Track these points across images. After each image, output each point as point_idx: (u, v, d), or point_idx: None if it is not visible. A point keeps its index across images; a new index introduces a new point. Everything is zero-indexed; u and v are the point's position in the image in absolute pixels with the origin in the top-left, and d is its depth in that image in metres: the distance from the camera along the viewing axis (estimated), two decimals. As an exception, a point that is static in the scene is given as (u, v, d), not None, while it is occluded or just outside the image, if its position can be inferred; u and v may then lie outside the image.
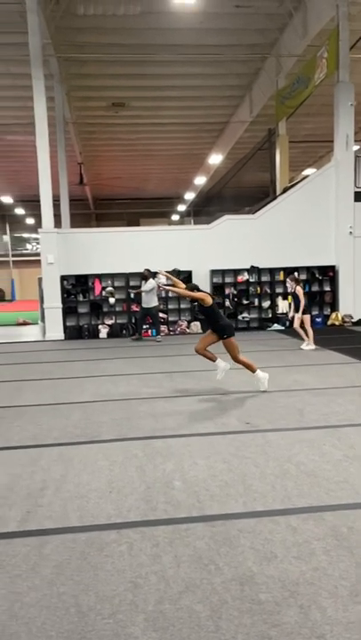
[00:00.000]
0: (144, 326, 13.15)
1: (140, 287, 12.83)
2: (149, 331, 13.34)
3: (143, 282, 12.60)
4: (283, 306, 14.12)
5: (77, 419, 5.85)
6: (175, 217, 38.70)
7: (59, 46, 14.20)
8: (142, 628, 2.39)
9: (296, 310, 10.07)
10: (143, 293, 12.29)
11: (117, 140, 23.60)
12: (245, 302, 14.16)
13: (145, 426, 5.46)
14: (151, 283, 12.13)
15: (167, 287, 7.44)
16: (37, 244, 39.58)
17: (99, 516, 3.51)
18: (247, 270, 14.12)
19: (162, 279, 10.93)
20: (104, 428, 5.46)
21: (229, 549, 3.00)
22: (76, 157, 23.27)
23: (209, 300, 6.69)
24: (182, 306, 14.13)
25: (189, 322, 13.95)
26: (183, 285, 7.10)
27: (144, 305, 12.34)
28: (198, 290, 6.89)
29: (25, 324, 18.08)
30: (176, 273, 12.74)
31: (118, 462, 4.44)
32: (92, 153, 25.32)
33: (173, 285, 7.29)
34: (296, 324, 10.21)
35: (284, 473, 4.07)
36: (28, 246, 41.27)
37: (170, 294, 13.98)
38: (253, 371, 6.72)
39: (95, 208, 37.27)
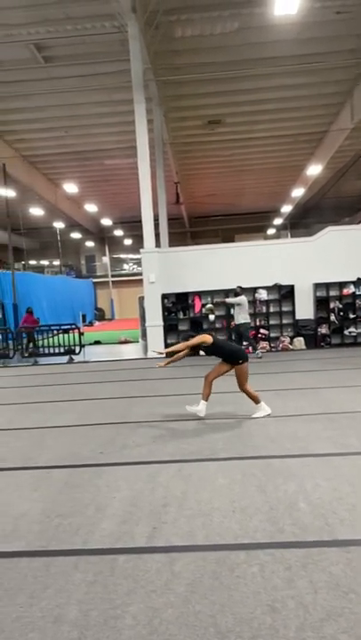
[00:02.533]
0: (244, 343, 13.05)
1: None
2: (250, 347, 13.16)
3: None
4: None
5: (191, 435, 5.90)
6: (271, 231, 38.34)
7: (157, 70, 14.67)
8: (286, 655, 2.32)
9: None
10: (235, 311, 12.36)
11: (213, 157, 23.88)
12: (352, 316, 13.63)
13: (260, 445, 5.38)
14: (240, 299, 12.20)
15: (164, 358, 7.24)
16: (134, 264, 41.06)
17: (225, 535, 3.49)
18: (353, 283, 13.62)
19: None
20: (219, 445, 5.44)
21: (369, 578, 2.85)
22: (173, 177, 23.84)
23: (209, 339, 6.60)
24: (284, 321, 13.87)
25: (292, 338, 13.67)
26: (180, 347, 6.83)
27: (235, 321, 12.40)
28: (193, 336, 6.80)
29: (126, 342, 18.63)
30: (240, 289, 12.51)
31: (238, 481, 4.40)
32: (187, 172, 25.82)
33: (174, 353, 6.96)
34: None
35: None
36: (125, 266, 42.78)
37: (270, 309, 13.87)
38: (257, 402, 6.59)
39: (190, 226, 37.87)
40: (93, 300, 38.51)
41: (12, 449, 5.79)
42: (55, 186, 26.99)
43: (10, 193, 20.93)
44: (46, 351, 15.48)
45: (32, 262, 39.14)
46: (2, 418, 7.51)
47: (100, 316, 38.17)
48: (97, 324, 33.47)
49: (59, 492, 4.42)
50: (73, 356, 14.53)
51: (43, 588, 2.97)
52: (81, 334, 15.08)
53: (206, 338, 6.61)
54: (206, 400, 6.67)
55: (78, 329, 15.27)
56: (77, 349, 14.89)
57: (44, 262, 41.83)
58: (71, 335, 15.29)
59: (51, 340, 15.81)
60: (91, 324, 31.21)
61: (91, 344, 18.08)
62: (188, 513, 3.85)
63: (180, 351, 6.77)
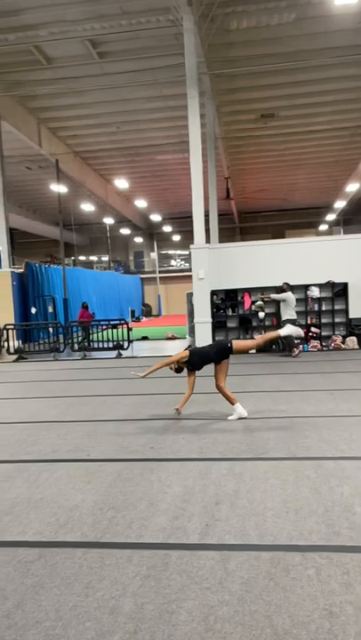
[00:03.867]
0: (295, 341, 12.82)
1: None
2: (300, 346, 12.91)
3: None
4: None
5: (240, 434, 5.84)
6: (323, 227, 37.60)
7: (211, 63, 14.57)
8: (346, 663, 2.26)
9: None
10: (281, 307, 12.33)
11: (265, 151, 23.57)
12: None
13: (312, 445, 5.27)
14: (285, 295, 12.17)
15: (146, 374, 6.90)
16: (182, 260, 41.16)
17: (279, 535, 3.43)
18: None
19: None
20: (270, 445, 5.37)
21: None
22: (223, 172, 23.71)
23: (185, 353, 6.62)
24: (337, 320, 13.56)
25: (344, 337, 13.34)
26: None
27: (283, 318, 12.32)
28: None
29: (173, 338, 18.66)
30: (286, 285, 12.39)
31: (290, 482, 4.32)
32: (238, 167, 25.59)
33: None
34: None
35: None
36: (173, 262, 42.94)
37: (323, 307, 13.59)
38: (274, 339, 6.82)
39: (240, 222, 37.59)
40: (141, 296, 38.87)
41: (65, 441, 5.90)
42: (106, 181, 27.36)
43: (62, 189, 21.33)
44: (95, 345, 15.72)
45: (81, 258, 39.84)
46: (55, 410, 7.67)
47: (147, 311, 38.48)
48: (144, 319, 33.75)
49: (111, 485, 4.46)
50: (121, 351, 14.67)
51: (98, 579, 3.01)
52: (129, 329, 15.20)
53: (183, 353, 6.69)
54: (236, 402, 6.60)
55: (127, 324, 15.40)
56: (126, 344, 15.02)
57: (93, 258, 42.52)
58: (119, 330, 15.45)
59: (99, 334, 16.04)
60: (138, 319, 31.51)
61: (138, 339, 18.21)
62: (241, 512, 3.81)
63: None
